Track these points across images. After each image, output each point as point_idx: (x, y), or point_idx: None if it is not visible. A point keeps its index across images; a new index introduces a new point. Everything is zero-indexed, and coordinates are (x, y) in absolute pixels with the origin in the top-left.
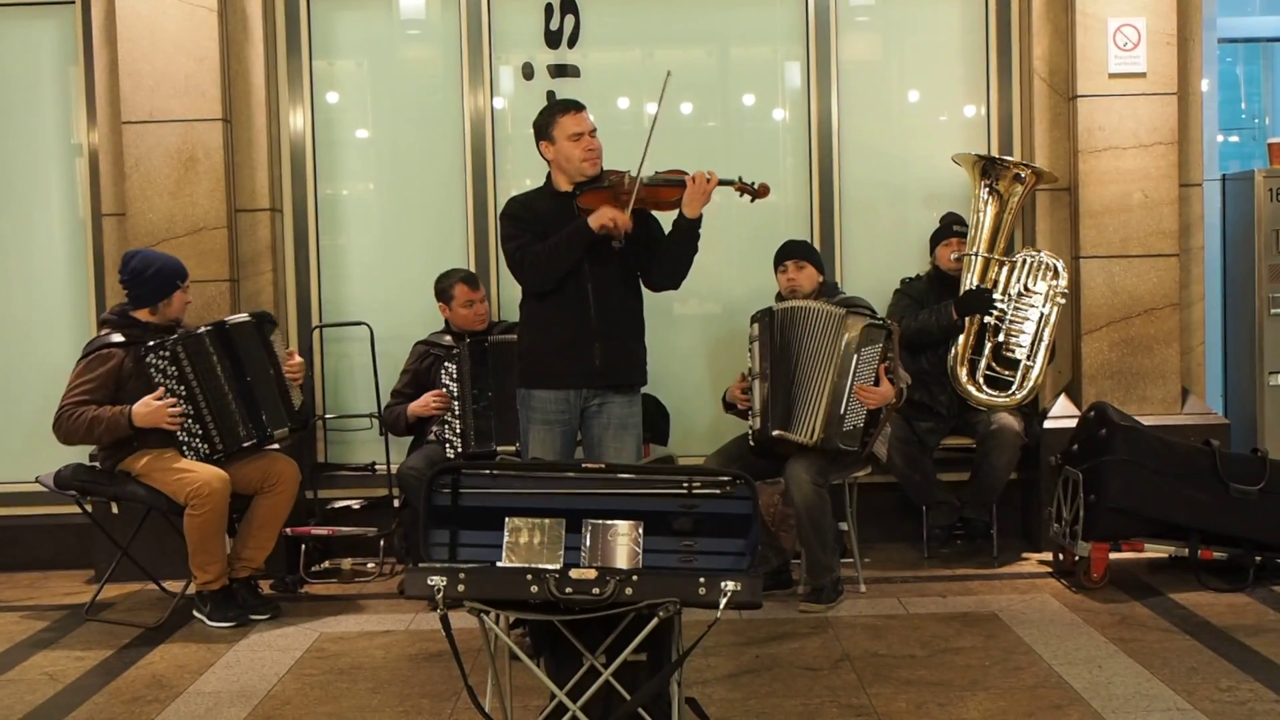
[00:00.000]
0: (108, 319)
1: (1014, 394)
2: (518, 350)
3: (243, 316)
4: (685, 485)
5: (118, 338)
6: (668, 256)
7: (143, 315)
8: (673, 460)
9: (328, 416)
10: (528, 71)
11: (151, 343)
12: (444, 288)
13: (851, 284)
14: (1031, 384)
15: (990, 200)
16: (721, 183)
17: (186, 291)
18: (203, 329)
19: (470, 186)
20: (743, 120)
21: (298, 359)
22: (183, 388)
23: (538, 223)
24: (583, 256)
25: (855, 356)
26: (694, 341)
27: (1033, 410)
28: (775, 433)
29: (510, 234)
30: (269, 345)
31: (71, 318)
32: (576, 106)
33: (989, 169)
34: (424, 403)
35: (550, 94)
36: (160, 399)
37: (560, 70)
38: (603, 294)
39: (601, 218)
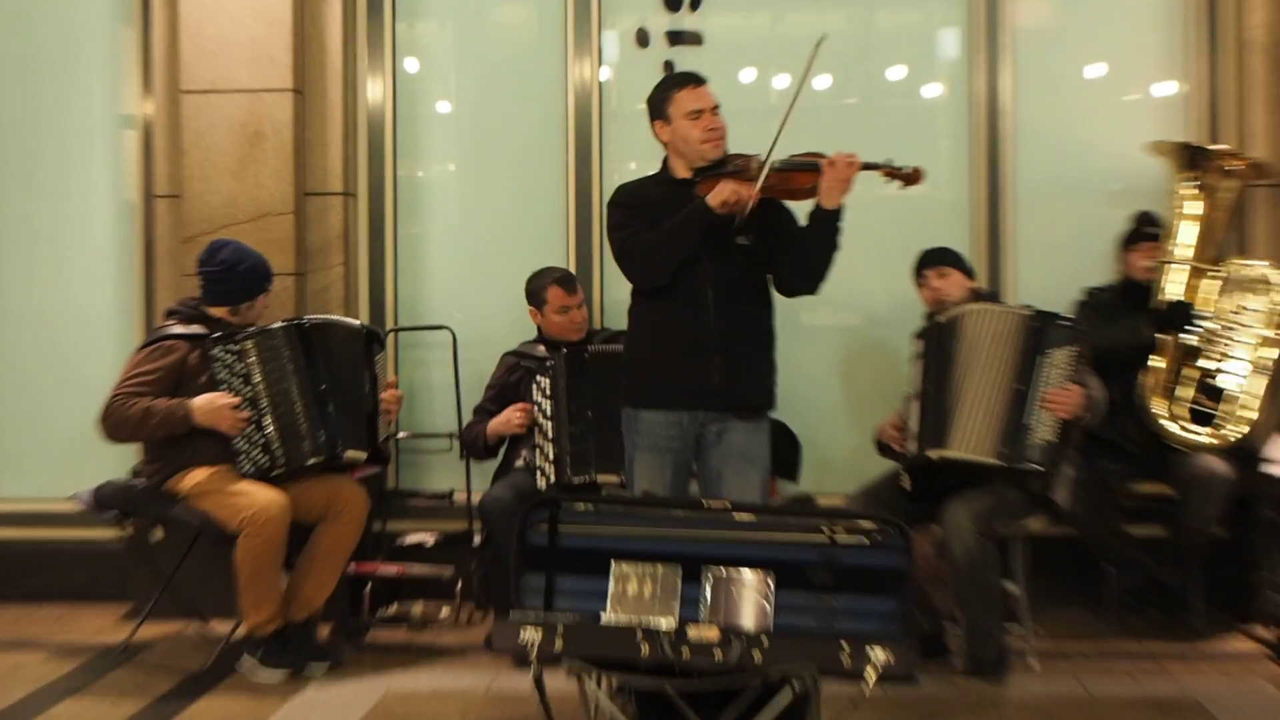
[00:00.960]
0: (176, 310)
1: (1223, 431)
2: (624, 362)
3: (341, 320)
4: (826, 530)
5: (186, 330)
6: (803, 254)
7: (219, 313)
8: (810, 500)
9: (401, 435)
10: (642, 38)
11: (218, 334)
12: (536, 289)
13: (1024, 294)
14: (1245, 420)
15: (1194, 198)
16: (865, 167)
17: (269, 294)
18: (279, 324)
19: (572, 171)
20: (889, 97)
21: (398, 392)
22: (249, 388)
23: (650, 212)
24: (703, 252)
25: (1041, 358)
26: (828, 358)
27: (1246, 452)
28: (930, 453)
29: (619, 223)
30: (371, 364)
31: (114, 315)
32: (696, 80)
33: (1193, 160)
34: (505, 418)
35: (667, 65)
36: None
37: (679, 37)
38: (725, 297)
39: (722, 193)
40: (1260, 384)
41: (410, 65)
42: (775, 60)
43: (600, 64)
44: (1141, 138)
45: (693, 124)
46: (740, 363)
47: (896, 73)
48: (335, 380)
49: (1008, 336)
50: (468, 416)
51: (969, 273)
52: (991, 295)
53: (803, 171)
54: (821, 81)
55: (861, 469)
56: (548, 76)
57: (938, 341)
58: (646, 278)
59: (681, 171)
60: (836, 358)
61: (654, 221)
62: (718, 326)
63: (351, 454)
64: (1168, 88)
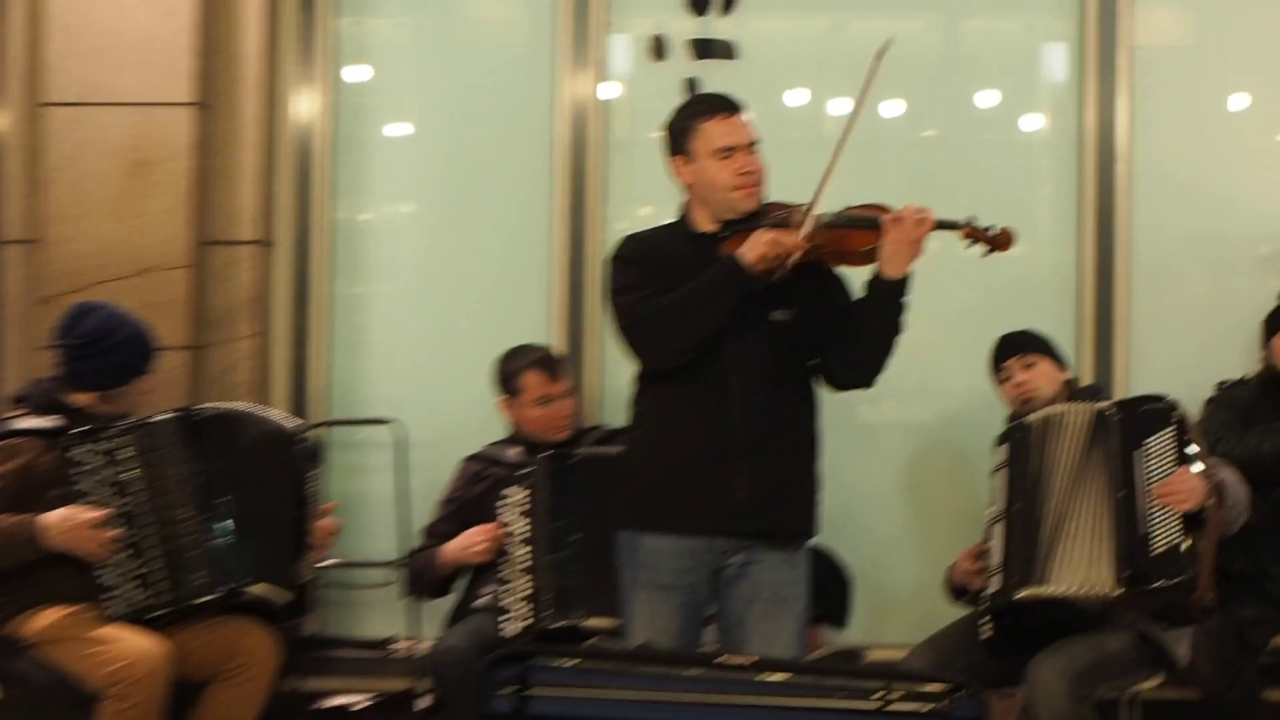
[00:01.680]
0: (26, 396)
1: None
2: (623, 471)
3: (258, 414)
4: (879, 696)
5: (37, 423)
6: (857, 336)
7: (83, 400)
8: (859, 655)
9: (327, 563)
10: (658, 47)
11: (82, 429)
12: (509, 374)
13: (1139, 387)
14: None
15: None
16: (940, 226)
17: (152, 375)
18: (165, 416)
19: (564, 216)
20: (977, 129)
21: (335, 521)
22: (122, 500)
23: (666, 272)
24: (728, 330)
25: (1137, 452)
26: (889, 470)
27: None
28: (1022, 592)
29: (625, 283)
30: (300, 478)
31: None
32: (728, 107)
33: None
34: (465, 544)
35: (690, 83)
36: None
37: (706, 48)
38: (756, 388)
39: (759, 245)
40: None
41: (355, 74)
42: (832, 79)
43: (604, 78)
44: None
45: (722, 165)
46: (773, 474)
47: (987, 99)
48: (243, 492)
49: (1092, 437)
50: (417, 539)
51: (1061, 362)
52: (1092, 391)
53: (859, 229)
54: (891, 108)
55: (931, 614)
56: (536, 93)
57: (1025, 449)
58: (658, 355)
59: (704, 223)
60: (900, 469)
61: (670, 284)
62: (745, 426)
63: (260, 590)
64: None
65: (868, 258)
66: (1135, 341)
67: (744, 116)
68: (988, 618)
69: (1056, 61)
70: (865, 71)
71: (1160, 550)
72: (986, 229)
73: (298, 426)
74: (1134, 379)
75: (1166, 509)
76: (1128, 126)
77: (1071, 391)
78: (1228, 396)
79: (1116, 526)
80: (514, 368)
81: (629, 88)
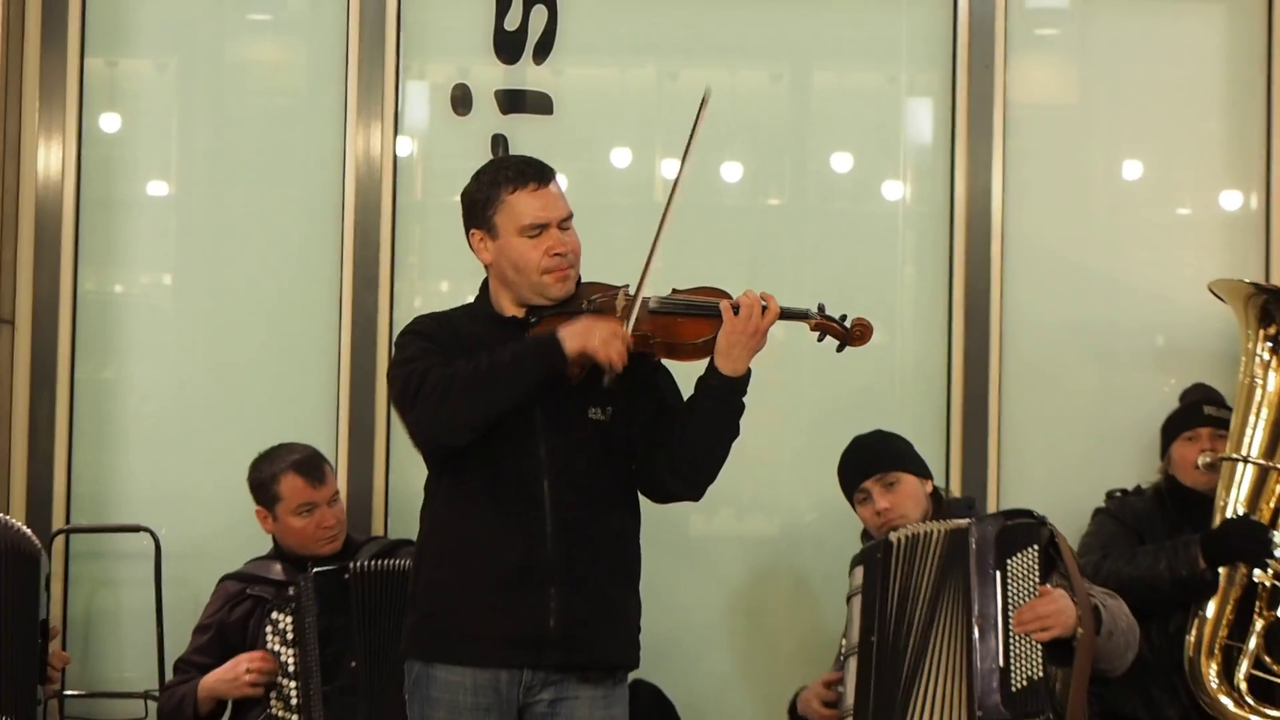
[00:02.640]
0: None
1: None
2: (410, 592)
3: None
4: None
5: None
6: (688, 439)
7: None
8: None
9: (68, 694)
10: (461, 99)
11: None
12: (263, 481)
13: (1013, 497)
14: None
15: (1275, 365)
16: (785, 315)
17: None
18: None
19: (349, 289)
20: (830, 198)
21: (64, 654)
22: None
23: (462, 352)
24: (536, 429)
25: (995, 575)
26: (726, 589)
27: None
28: None
29: (411, 355)
30: (37, 598)
31: None
32: (538, 175)
33: (1272, 309)
34: (231, 674)
35: (499, 140)
36: None
37: (517, 100)
38: (570, 498)
39: (587, 336)
40: None
41: (108, 124)
42: (662, 137)
43: (399, 133)
44: (1198, 274)
45: (531, 244)
46: (589, 598)
47: (842, 162)
48: None
49: (947, 557)
50: (170, 672)
51: (923, 471)
52: (965, 504)
53: (693, 317)
54: (731, 171)
55: None
56: (320, 148)
57: (884, 572)
58: (437, 428)
59: (509, 307)
60: (736, 590)
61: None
62: (556, 542)
63: None
64: (1235, 199)
65: (701, 351)
66: (1009, 445)
67: (556, 187)
68: None
69: (922, 120)
70: (693, 120)
71: (1018, 686)
72: (840, 319)
73: (35, 544)
74: (1008, 488)
75: (1027, 638)
76: (1002, 196)
77: (940, 504)
78: (1119, 507)
79: (974, 657)
80: (268, 473)
81: (427, 144)
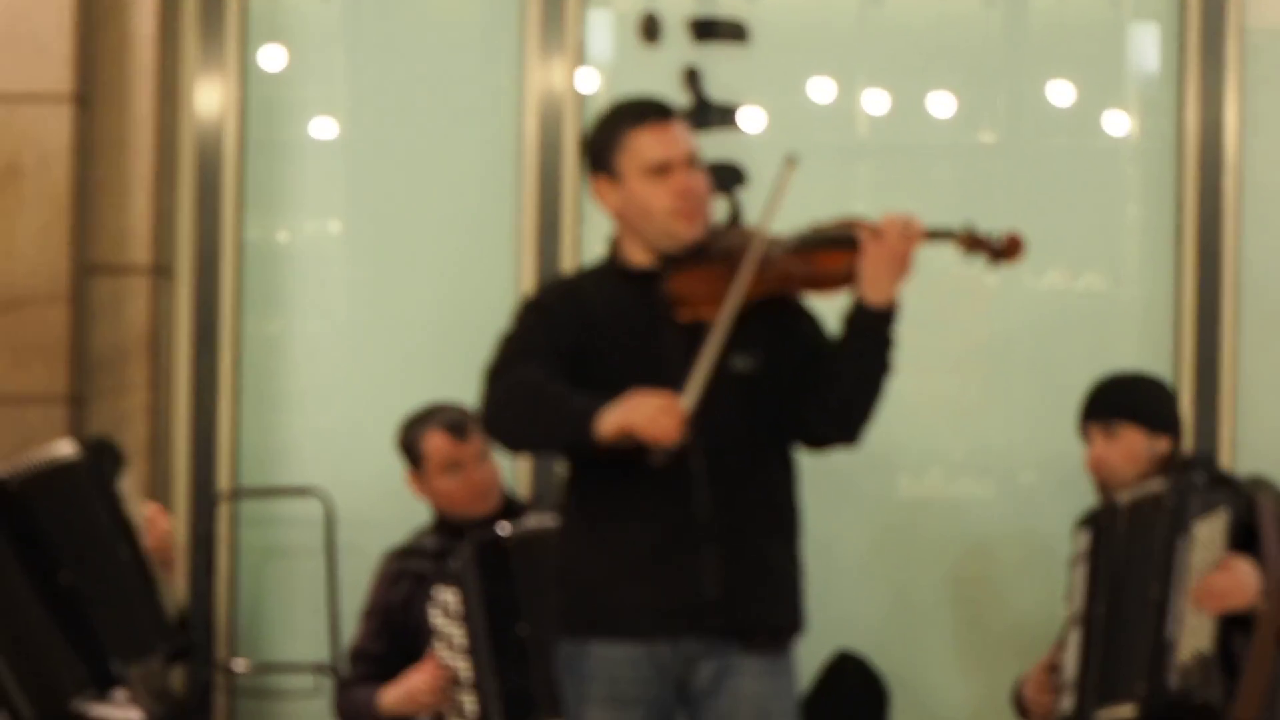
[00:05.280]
0: None
1: None
2: (558, 566)
3: (44, 459)
4: None
5: None
6: (841, 378)
7: None
8: None
9: (238, 668)
10: (649, 28)
11: None
12: (410, 441)
13: (1248, 456)
14: None
15: None
16: (931, 236)
17: None
18: None
19: (531, 234)
20: (1049, 133)
21: (164, 524)
22: None
23: (593, 323)
24: (677, 378)
25: (1180, 541)
26: (942, 556)
27: None
28: (1101, 715)
29: (519, 333)
30: (113, 500)
31: None
32: (660, 113)
33: None
34: (408, 695)
35: (691, 73)
36: None
37: (710, 28)
38: (722, 456)
39: (630, 412)
40: None
41: (270, 61)
42: (865, 67)
43: (582, 65)
44: None
45: (656, 185)
46: (749, 561)
47: (1061, 94)
48: (77, 559)
49: (1147, 523)
50: (349, 634)
51: (1160, 425)
52: (1203, 460)
53: (832, 249)
54: (940, 105)
55: None
56: (497, 83)
57: (1111, 537)
58: (491, 433)
59: (639, 256)
60: (953, 556)
61: (601, 336)
62: (712, 503)
63: (140, 670)
64: None
65: (844, 280)
66: (1246, 400)
67: (679, 125)
68: None
69: (1148, 48)
70: (908, 60)
71: (1185, 662)
72: (986, 236)
73: (81, 448)
74: (1241, 445)
75: (1201, 612)
76: (1237, 129)
77: (1170, 464)
78: None
79: (1145, 631)
80: (415, 433)
81: (613, 77)
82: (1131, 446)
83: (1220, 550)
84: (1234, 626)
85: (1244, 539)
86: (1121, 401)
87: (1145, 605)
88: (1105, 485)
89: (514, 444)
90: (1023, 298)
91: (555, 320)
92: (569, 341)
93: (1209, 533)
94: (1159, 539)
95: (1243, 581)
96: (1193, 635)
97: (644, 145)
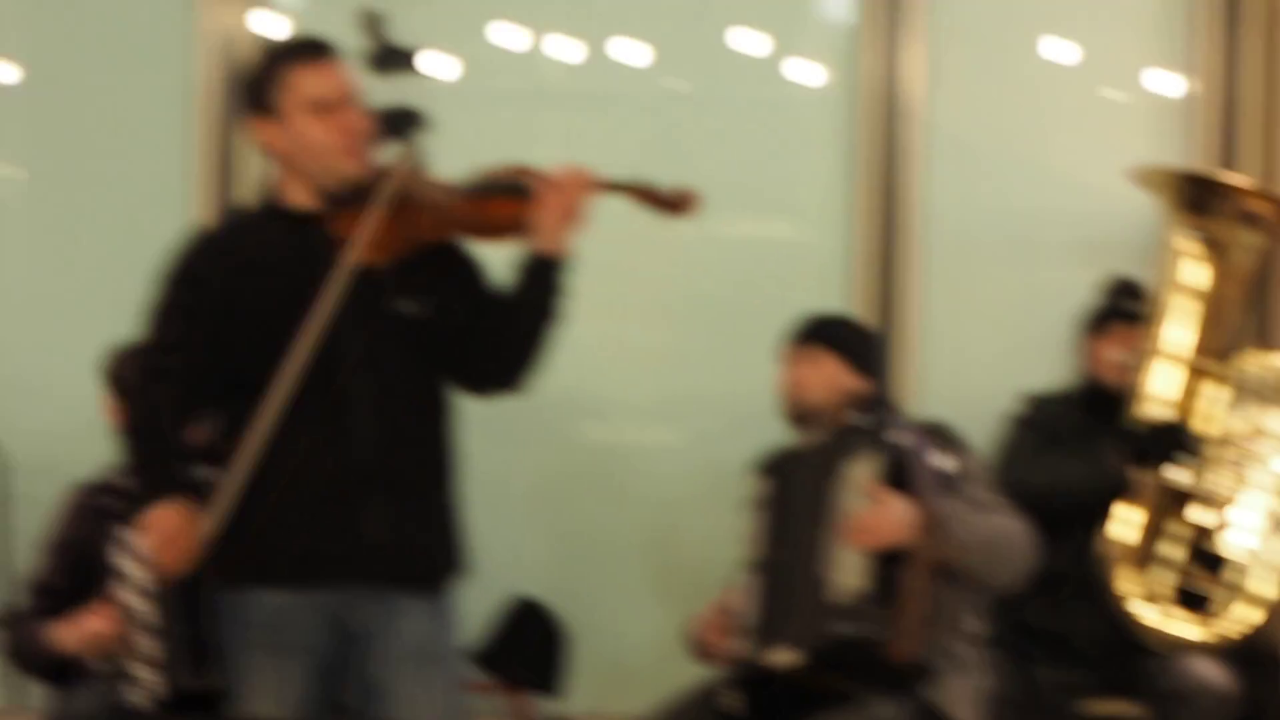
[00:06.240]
0: None
1: (1224, 622)
2: (214, 513)
3: None
4: None
5: None
6: (510, 326)
7: None
8: None
9: None
10: None
11: None
12: (115, 371)
13: (931, 401)
14: (1254, 603)
15: (1198, 258)
16: (602, 187)
17: None
18: None
19: (204, 180)
20: (733, 82)
21: None
22: None
23: (236, 276)
24: (344, 326)
25: (833, 484)
26: (628, 498)
27: (1258, 654)
28: (772, 658)
29: (159, 325)
30: None
31: None
32: (320, 50)
33: (1198, 199)
34: (86, 632)
35: (370, 17)
36: None
37: None
38: (385, 400)
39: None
40: None
41: None
42: (553, 14)
43: (257, 5)
44: (1121, 160)
45: (317, 122)
46: (412, 505)
47: (750, 43)
48: None
49: (818, 465)
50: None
51: (862, 366)
52: (881, 404)
53: (504, 197)
54: (627, 52)
55: (672, 680)
56: (172, 25)
57: (787, 480)
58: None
59: (300, 197)
60: (640, 500)
61: (262, 287)
62: (373, 448)
63: None
64: (1165, 84)
65: (515, 230)
66: (926, 346)
67: (336, 63)
68: (733, 687)
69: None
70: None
71: (836, 601)
72: (660, 191)
73: None
74: (924, 391)
75: (852, 548)
76: (919, 80)
77: (862, 403)
78: (1034, 410)
79: (803, 571)
80: (118, 362)
81: (290, 19)
82: (829, 376)
83: (872, 490)
84: (894, 563)
85: (898, 480)
86: (828, 332)
87: (803, 549)
88: (796, 411)
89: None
90: (712, 245)
91: (198, 291)
92: (216, 305)
93: (861, 473)
94: (815, 482)
95: (894, 517)
96: (849, 574)
97: (304, 82)
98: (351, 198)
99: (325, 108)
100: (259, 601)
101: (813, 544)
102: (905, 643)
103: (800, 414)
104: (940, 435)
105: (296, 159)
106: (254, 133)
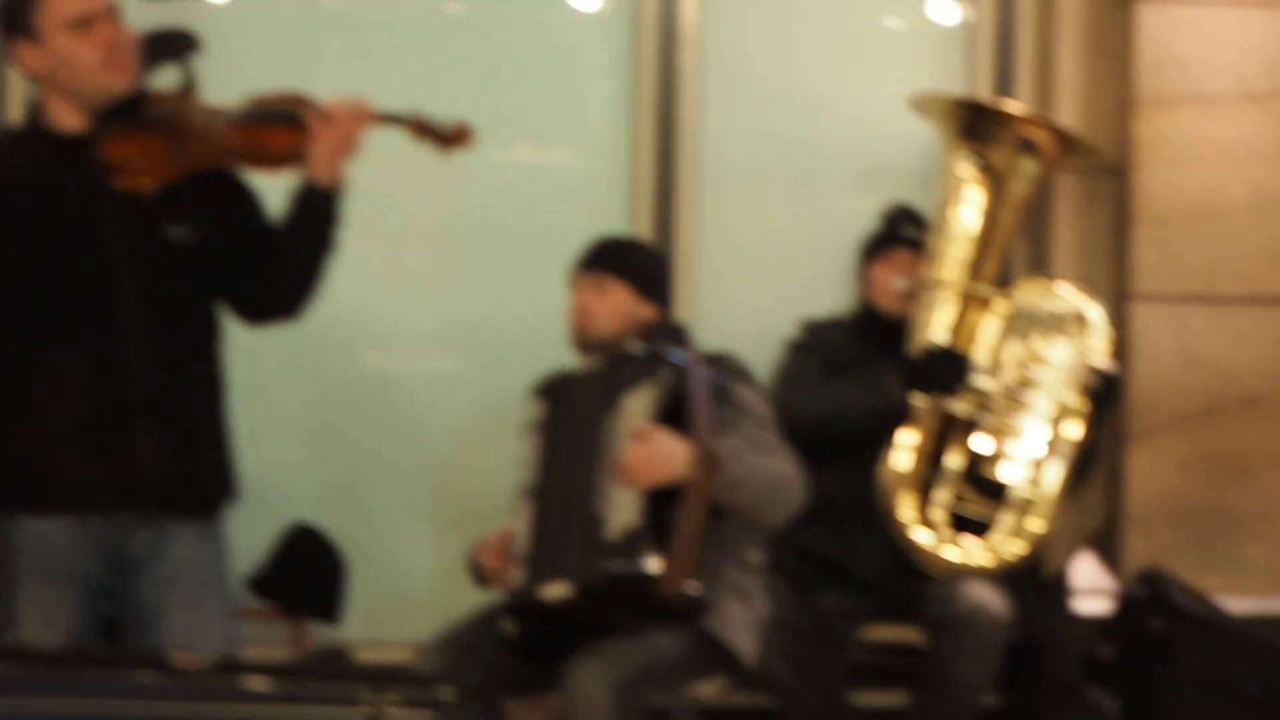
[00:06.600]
0: None
1: (998, 547)
2: None
3: None
4: (370, 703)
5: None
6: (285, 254)
7: None
8: (344, 655)
9: None
10: None
11: None
12: None
13: (707, 328)
14: (1031, 530)
15: (976, 185)
16: (381, 119)
17: None
18: None
19: None
20: (514, 7)
21: None
22: None
23: (15, 196)
24: (114, 253)
25: (607, 416)
26: (404, 427)
27: (1034, 580)
28: (546, 592)
29: None
30: None
31: None
32: None
33: (974, 125)
34: None
35: None
36: None
37: None
38: (156, 327)
39: None
40: (1057, 475)
41: None
42: None
43: None
44: (900, 88)
45: (80, 39)
46: (183, 432)
47: None
48: None
49: (594, 393)
50: None
51: (649, 292)
52: (673, 331)
53: (279, 126)
54: None
55: (451, 606)
56: None
57: (567, 406)
58: None
59: (67, 119)
60: (420, 426)
61: (26, 209)
62: (146, 375)
63: None
64: (943, 12)
65: (289, 160)
66: (703, 273)
67: None
68: (512, 615)
69: None
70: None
71: (611, 539)
72: (436, 124)
73: None
74: (701, 318)
75: (624, 485)
76: (697, 4)
77: (649, 330)
78: (812, 337)
79: (581, 504)
80: None
81: None
82: (618, 303)
83: (643, 423)
84: (669, 499)
85: (676, 413)
86: (616, 259)
87: (577, 480)
88: (583, 337)
89: None
90: (491, 171)
91: None
92: None
93: (636, 405)
94: (591, 411)
95: (663, 453)
96: (621, 510)
97: (62, 1)
98: (120, 118)
99: (86, 24)
100: (29, 528)
101: (587, 476)
102: (678, 579)
103: (588, 342)
104: (725, 366)
105: (61, 79)
106: (15, 57)
